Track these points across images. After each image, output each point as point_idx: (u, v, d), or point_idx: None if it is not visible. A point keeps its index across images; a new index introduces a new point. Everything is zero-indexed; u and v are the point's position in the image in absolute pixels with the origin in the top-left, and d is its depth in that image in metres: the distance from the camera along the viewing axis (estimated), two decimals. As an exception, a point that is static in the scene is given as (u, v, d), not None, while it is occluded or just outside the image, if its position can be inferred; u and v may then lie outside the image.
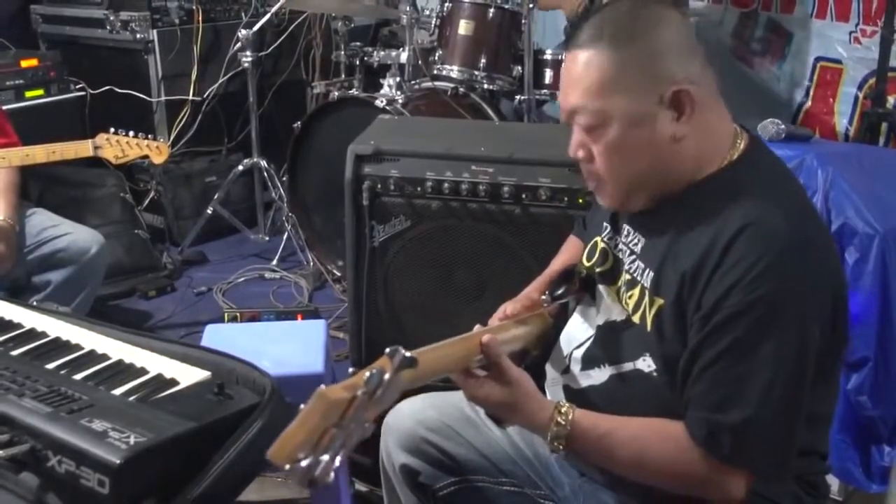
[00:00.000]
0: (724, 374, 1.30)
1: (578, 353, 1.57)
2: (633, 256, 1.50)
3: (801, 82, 4.12)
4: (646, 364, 1.43)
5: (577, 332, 1.60)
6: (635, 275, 1.48)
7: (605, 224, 1.58)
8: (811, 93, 4.10)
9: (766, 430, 1.30)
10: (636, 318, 1.46)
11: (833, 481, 2.31)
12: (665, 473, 1.39)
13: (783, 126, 2.52)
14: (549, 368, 1.65)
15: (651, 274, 1.44)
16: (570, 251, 1.86)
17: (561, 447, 1.40)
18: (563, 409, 1.40)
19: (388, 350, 1.15)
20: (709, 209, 1.37)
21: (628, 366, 1.46)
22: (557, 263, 1.85)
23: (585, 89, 1.40)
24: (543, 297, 1.62)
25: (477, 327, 1.49)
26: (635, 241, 1.51)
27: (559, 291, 1.61)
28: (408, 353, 1.15)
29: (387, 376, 1.08)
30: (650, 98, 1.37)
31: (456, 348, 1.36)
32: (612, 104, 1.38)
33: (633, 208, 1.50)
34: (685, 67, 1.37)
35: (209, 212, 4.05)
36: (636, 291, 1.47)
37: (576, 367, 1.57)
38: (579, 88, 1.40)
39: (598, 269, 1.57)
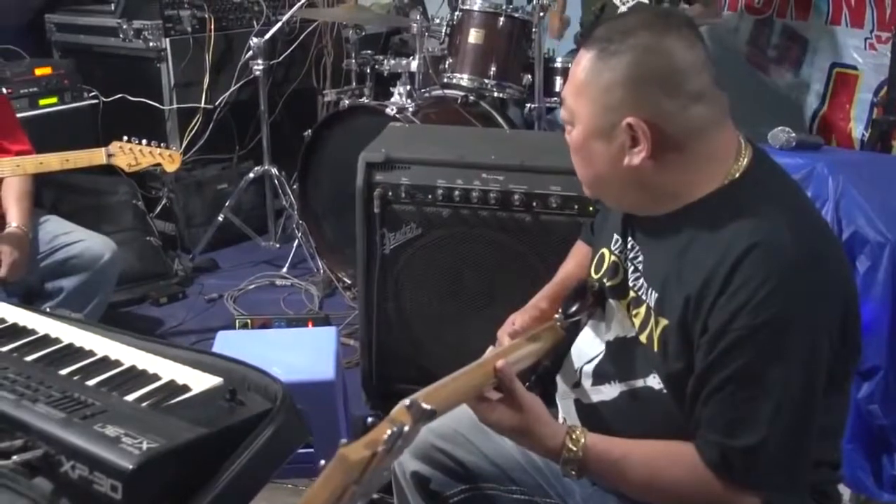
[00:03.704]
0: (733, 398, 1.30)
1: (589, 368, 1.56)
2: (637, 274, 1.49)
3: (818, 89, 4.11)
4: (656, 381, 1.42)
5: (587, 347, 1.59)
6: (640, 293, 1.47)
7: (615, 236, 1.57)
8: (827, 99, 4.09)
9: (777, 451, 1.30)
10: (643, 338, 1.45)
11: (844, 490, 2.30)
12: (678, 496, 1.39)
13: (793, 134, 2.51)
14: (559, 381, 1.65)
15: (655, 294, 1.42)
16: (577, 258, 1.85)
17: (573, 472, 1.40)
18: (574, 436, 1.39)
19: (407, 402, 1.15)
20: (711, 229, 1.35)
21: (639, 382, 1.46)
22: (565, 270, 1.84)
23: (569, 84, 1.42)
24: (557, 315, 1.61)
25: (489, 350, 1.48)
26: (638, 257, 1.50)
27: (573, 309, 1.59)
28: (427, 406, 1.15)
29: (406, 429, 1.09)
30: (608, 117, 1.36)
31: (470, 379, 1.35)
32: (580, 108, 1.40)
33: (607, 203, 1.55)
34: (657, 102, 1.33)
35: (220, 219, 4.06)
36: (641, 310, 1.46)
37: (587, 382, 1.56)
38: (569, 81, 1.43)
39: (608, 283, 1.56)
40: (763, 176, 1.41)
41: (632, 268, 1.51)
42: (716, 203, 1.37)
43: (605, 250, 1.59)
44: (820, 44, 4.09)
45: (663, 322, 1.39)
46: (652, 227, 1.47)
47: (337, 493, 1.02)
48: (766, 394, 1.28)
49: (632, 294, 1.50)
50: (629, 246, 1.53)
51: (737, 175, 1.39)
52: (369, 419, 1.15)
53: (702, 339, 1.32)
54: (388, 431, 1.07)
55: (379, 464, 1.05)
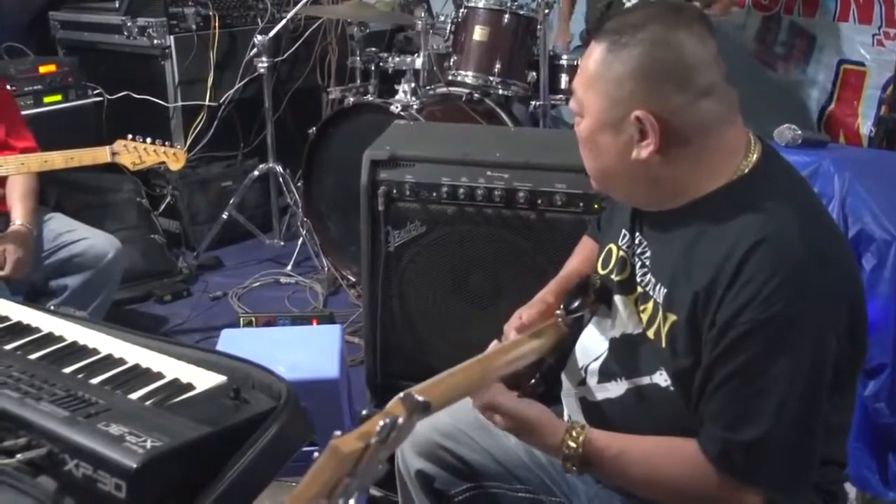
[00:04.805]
0: (736, 392, 1.30)
1: (595, 366, 1.56)
2: (645, 269, 1.49)
3: (825, 85, 4.11)
4: (662, 378, 1.42)
5: (592, 345, 1.58)
6: (647, 288, 1.47)
7: (623, 231, 1.56)
8: (835, 95, 4.08)
9: (779, 447, 1.29)
10: (650, 333, 1.45)
11: (850, 489, 2.29)
12: (679, 491, 1.39)
13: (799, 132, 2.51)
14: (564, 379, 1.64)
15: (663, 290, 1.42)
16: (584, 253, 1.84)
17: (574, 468, 1.41)
18: (574, 432, 1.41)
19: (401, 395, 1.15)
20: (719, 224, 1.35)
21: (645, 380, 1.45)
22: (571, 265, 1.84)
23: (579, 76, 1.42)
24: (558, 311, 1.60)
25: (493, 345, 1.48)
26: (646, 252, 1.50)
27: (574, 305, 1.59)
28: (421, 398, 1.15)
29: (400, 421, 1.08)
30: (617, 110, 1.36)
31: (469, 374, 1.35)
32: (589, 99, 1.40)
33: (615, 196, 1.55)
34: (666, 96, 1.33)
35: (224, 217, 4.06)
36: (649, 306, 1.46)
37: (592, 380, 1.56)
38: (579, 73, 1.43)
39: (616, 278, 1.55)
40: (772, 172, 1.40)
41: (639, 263, 1.50)
42: (724, 198, 1.37)
43: (612, 246, 1.59)
44: (827, 40, 4.08)
45: (672, 318, 1.39)
46: (659, 222, 1.47)
47: (329, 485, 1.01)
48: (770, 389, 1.27)
49: (639, 289, 1.49)
50: (637, 241, 1.52)
51: (745, 171, 1.38)
52: (364, 412, 1.14)
53: (709, 335, 1.32)
54: (381, 423, 1.06)
55: (373, 456, 1.04)
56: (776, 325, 1.26)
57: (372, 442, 1.04)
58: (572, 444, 1.39)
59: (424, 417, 1.18)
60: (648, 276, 1.47)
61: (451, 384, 1.30)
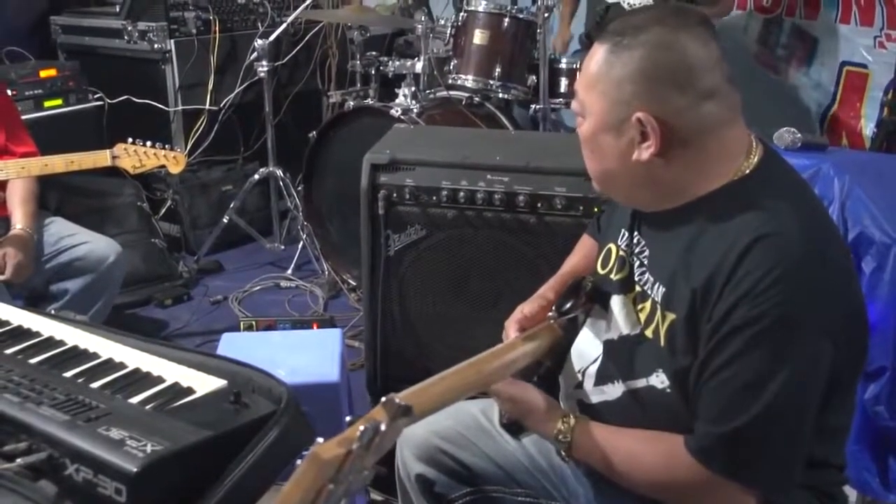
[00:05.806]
0: (723, 386, 1.30)
1: (592, 370, 1.56)
2: (643, 269, 1.49)
3: (828, 87, 4.11)
4: (659, 380, 1.42)
5: (588, 349, 1.58)
6: (645, 287, 1.47)
7: (622, 231, 1.56)
8: (838, 98, 4.08)
9: (759, 442, 1.29)
10: (649, 333, 1.45)
11: (850, 492, 2.29)
12: (657, 483, 1.40)
13: (799, 135, 2.51)
14: (561, 382, 1.65)
15: (662, 288, 1.42)
16: (583, 251, 1.85)
17: (564, 455, 1.46)
18: (566, 419, 1.46)
19: (383, 399, 1.15)
20: (719, 223, 1.35)
21: (641, 382, 1.45)
22: (571, 263, 1.84)
23: (581, 77, 1.43)
24: (550, 313, 1.61)
25: (491, 351, 1.50)
26: (644, 252, 1.50)
27: (567, 306, 1.59)
28: (402, 402, 1.14)
29: (382, 427, 1.08)
30: (618, 112, 1.36)
31: (461, 378, 1.36)
32: (591, 100, 1.40)
33: (616, 198, 1.55)
34: (667, 98, 1.33)
35: (225, 221, 4.06)
36: (647, 305, 1.45)
37: (588, 383, 1.56)
38: (582, 74, 1.43)
39: (615, 277, 1.55)
40: (773, 174, 1.40)
41: (637, 262, 1.51)
42: (724, 198, 1.37)
43: (611, 245, 1.59)
44: (829, 42, 4.08)
45: (670, 317, 1.39)
46: (658, 222, 1.47)
47: (311, 493, 1.01)
48: (754, 383, 1.27)
49: (637, 288, 1.49)
50: (635, 240, 1.52)
51: (746, 172, 1.38)
52: (347, 418, 1.14)
53: (705, 329, 1.32)
54: (362, 428, 1.06)
55: (356, 462, 1.04)
56: (769, 322, 1.25)
57: (354, 448, 1.04)
58: (563, 431, 1.45)
59: (410, 423, 1.18)
60: (647, 275, 1.47)
61: (443, 388, 1.31)
